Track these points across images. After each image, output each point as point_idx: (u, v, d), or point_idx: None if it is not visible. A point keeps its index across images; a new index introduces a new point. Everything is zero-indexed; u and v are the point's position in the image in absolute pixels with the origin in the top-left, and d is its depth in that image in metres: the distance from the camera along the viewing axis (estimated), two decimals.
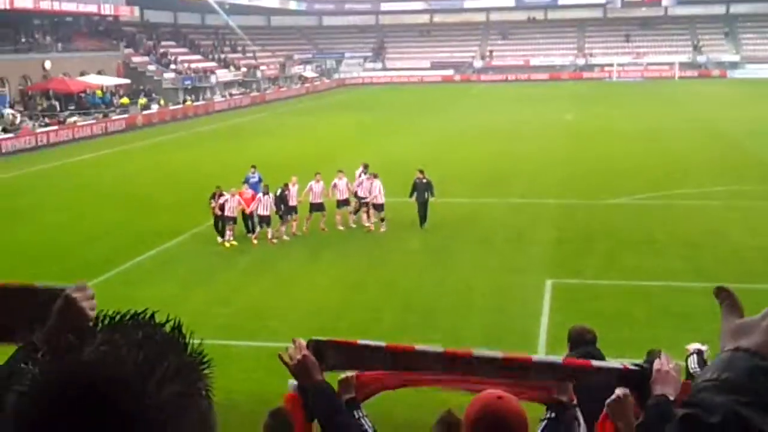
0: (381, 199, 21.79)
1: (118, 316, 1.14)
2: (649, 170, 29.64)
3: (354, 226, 22.39)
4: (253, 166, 24.03)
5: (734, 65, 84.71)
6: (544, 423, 3.40)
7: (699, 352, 6.79)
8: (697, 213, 22.81)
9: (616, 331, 12.64)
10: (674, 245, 19.69)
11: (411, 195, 22.02)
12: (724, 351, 1.27)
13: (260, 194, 21.34)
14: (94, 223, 23.83)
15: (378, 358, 3.25)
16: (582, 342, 6.62)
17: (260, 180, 23.13)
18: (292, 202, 21.51)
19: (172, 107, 59.35)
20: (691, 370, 6.25)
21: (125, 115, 53.00)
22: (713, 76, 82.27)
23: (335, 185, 22.13)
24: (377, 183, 21.91)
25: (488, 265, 18.34)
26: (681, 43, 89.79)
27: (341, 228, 22.21)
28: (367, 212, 22.31)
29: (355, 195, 22.28)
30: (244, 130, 49.15)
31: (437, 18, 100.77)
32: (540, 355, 12.56)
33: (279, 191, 21.48)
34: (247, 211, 21.17)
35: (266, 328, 14.54)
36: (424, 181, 21.92)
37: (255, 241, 21.03)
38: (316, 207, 21.79)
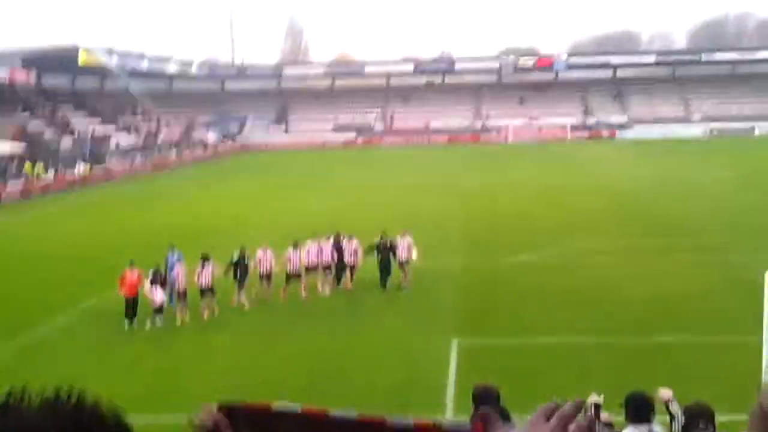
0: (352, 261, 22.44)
1: (42, 394, 1.06)
2: (547, 228, 30.70)
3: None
4: (171, 246, 22.02)
5: (623, 126, 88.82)
6: None
7: (596, 406, 7.14)
8: (592, 268, 23.74)
9: (520, 387, 12.98)
10: (571, 300, 20.41)
11: (371, 253, 22.57)
12: None
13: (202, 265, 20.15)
14: None
15: (292, 423, 3.33)
16: (486, 400, 6.82)
17: (180, 258, 21.31)
18: (264, 269, 21.17)
19: (69, 175, 57.92)
20: None
21: (19, 184, 51.49)
22: (603, 136, 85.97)
23: (308, 251, 22.02)
24: (355, 243, 22.57)
25: (396, 326, 18.63)
26: (572, 105, 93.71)
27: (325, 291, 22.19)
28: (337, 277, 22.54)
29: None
30: (145, 198, 48.37)
31: (339, 82, 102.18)
32: (447, 415, 12.82)
33: (236, 257, 21.04)
34: (125, 293, 19.52)
35: (172, 401, 14.27)
36: (388, 245, 22.54)
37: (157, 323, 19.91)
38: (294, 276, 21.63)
